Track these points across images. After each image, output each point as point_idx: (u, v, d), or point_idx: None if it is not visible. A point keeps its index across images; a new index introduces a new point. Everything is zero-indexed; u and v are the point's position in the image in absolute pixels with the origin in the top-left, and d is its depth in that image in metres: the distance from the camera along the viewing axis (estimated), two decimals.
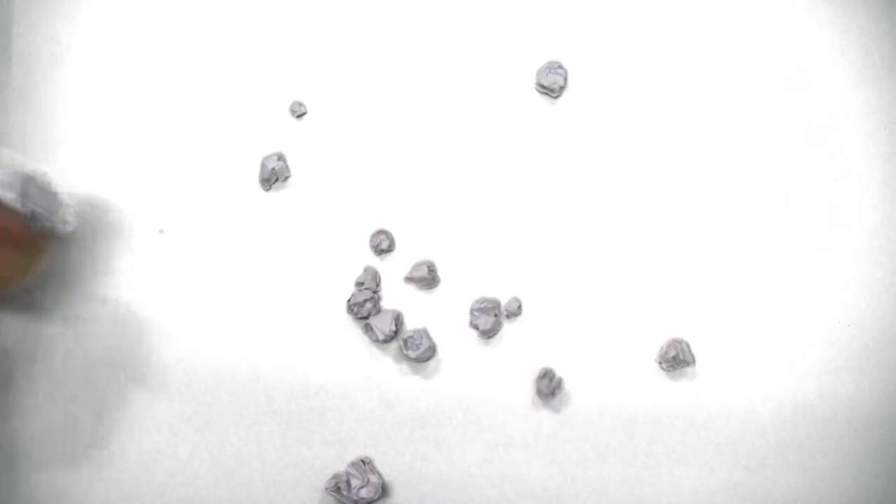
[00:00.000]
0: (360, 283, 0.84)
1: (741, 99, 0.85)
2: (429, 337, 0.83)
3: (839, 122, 0.85)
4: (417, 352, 0.83)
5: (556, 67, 0.85)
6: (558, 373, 0.84)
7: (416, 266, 0.84)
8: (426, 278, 0.84)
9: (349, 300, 0.83)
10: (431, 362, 0.84)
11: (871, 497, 0.83)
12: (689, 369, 0.84)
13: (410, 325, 0.85)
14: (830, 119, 0.85)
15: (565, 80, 0.85)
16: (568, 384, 0.84)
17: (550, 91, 0.85)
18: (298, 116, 0.86)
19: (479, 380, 0.84)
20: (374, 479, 0.82)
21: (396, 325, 0.83)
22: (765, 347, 0.84)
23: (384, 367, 0.85)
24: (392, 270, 0.85)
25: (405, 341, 0.83)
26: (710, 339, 0.84)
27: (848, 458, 0.83)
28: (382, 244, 0.84)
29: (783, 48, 0.85)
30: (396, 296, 0.85)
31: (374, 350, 0.85)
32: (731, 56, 0.85)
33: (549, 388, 0.82)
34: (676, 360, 0.82)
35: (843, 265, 0.84)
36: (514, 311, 0.84)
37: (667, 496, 0.83)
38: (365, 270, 0.85)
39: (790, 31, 0.85)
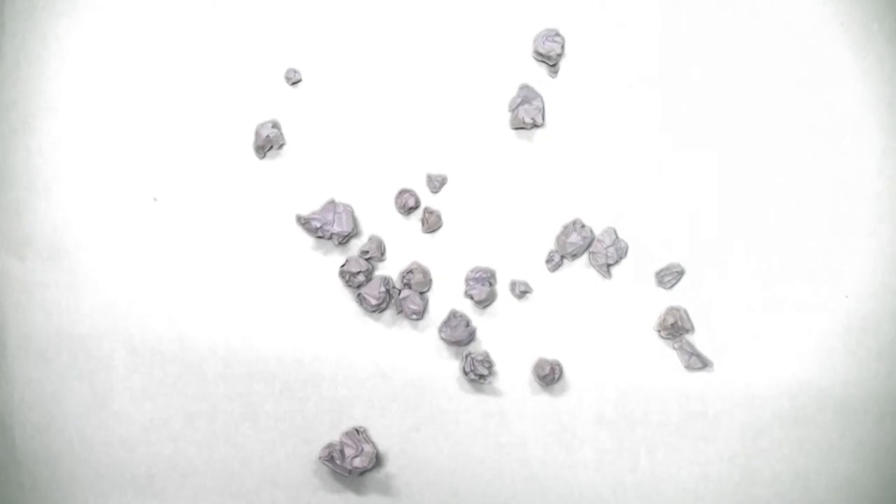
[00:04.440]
0: (364, 252, 0.84)
1: (740, 70, 0.84)
2: (468, 323, 0.83)
3: (840, 94, 0.84)
4: (454, 333, 0.83)
5: (553, 35, 0.84)
6: (555, 356, 0.83)
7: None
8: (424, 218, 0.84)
9: (342, 266, 0.83)
10: (427, 332, 0.84)
11: (867, 469, 0.82)
12: (686, 339, 0.83)
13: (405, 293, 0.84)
14: (831, 91, 0.84)
15: (562, 48, 0.84)
16: (564, 354, 0.84)
17: (547, 59, 0.84)
18: (293, 84, 0.85)
19: (473, 349, 0.84)
20: (367, 448, 0.82)
21: (387, 289, 0.82)
22: (762, 319, 0.83)
23: (379, 336, 0.84)
24: (386, 239, 0.85)
25: (445, 321, 0.83)
26: (708, 310, 0.83)
27: (845, 430, 0.82)
28: (409, 202, 0.84)
29: (783, 22, 0.85)
30: (391, 263, 0.85)
31: (369, 319, 0.84)
32: (729, 28, 0.85)
33: (548, 379, 0.82)
34: (675, 327, 0.82)
35: (842, 235, 0.83)
36: (518, 295, 0.84)
37: (663, 466, 0.83)
38: (370, 239, 0.84)
39: (790, 5, 0.85)
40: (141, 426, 0.85)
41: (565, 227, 0.84)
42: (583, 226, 0.83)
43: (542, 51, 0.84)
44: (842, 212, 0.83)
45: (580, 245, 0.83)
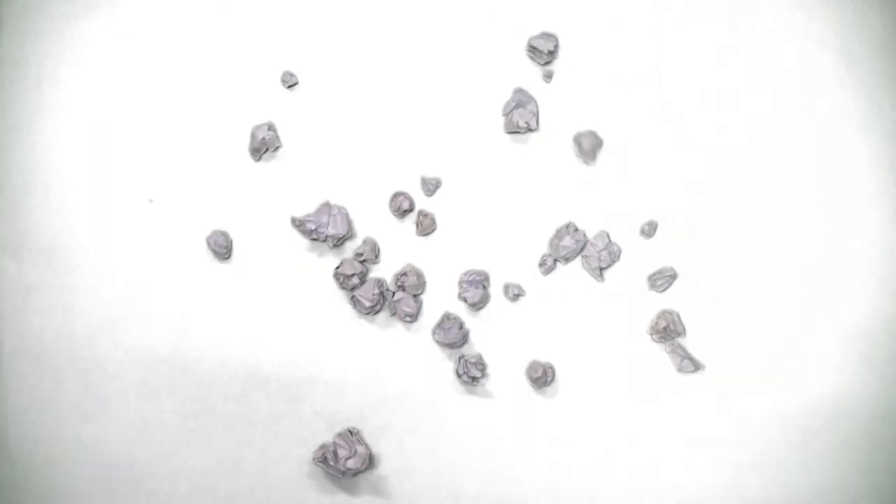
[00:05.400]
0: (358, 255, 0.84)
1: (735, 75, 0.85)
2: (461, 326, 0.83)
3: (836, 99, 0.84)
4: (447, 336, 0.83)
5: (547, 38, 0.84)
6: (548, 358, 0.84)
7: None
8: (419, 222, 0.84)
9: (336, 268, 0.83)
10: (420, 334, 0.84)
11: (863, 473, 0.83)
12: (678, 342, 0.83)
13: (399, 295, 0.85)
14: (827, 96, 0.84)
15: (556, 46, 0.84)
16: (557, 357, 0.84)
17: (540, 54, 0.84)
18: (289, 86, 0.86)
19: (466, 352, 0.84)
20: (361, 449, 0.82)
21: (381, 291, 0.83)
22: (755, 322, 0.83)
23: (372, 338, 0.84)
24: (380, 242, 0.85)
25: (439, 324, 0.83)
26: (701, 314, 0.84)
27: (840, 434, 0.83)
28: (403, 205, 0.84)
29: (778, 31, 0.85)
30: (385, 266, 0.85)
31: (363, 321, 0.84)
32: (725, 35, 0.85)
33: (541, 382, 0.83)
34: (667, 330, 0.82)
35: (837, 238, 0.84)
36: (511, 297, 0.84)
37: (655, 469, 0.83)
38: (364, 242, 0.84)
39: (786, 15, 0.85)
40: (136, 427, 0.85)
41: (558, 231, 0.84)
42: (576, 229, 0.83)
43: (535, 44, 0.84)
44: (837, 216, 0.84)
45: (573, 248, 0.83)
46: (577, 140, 0.83)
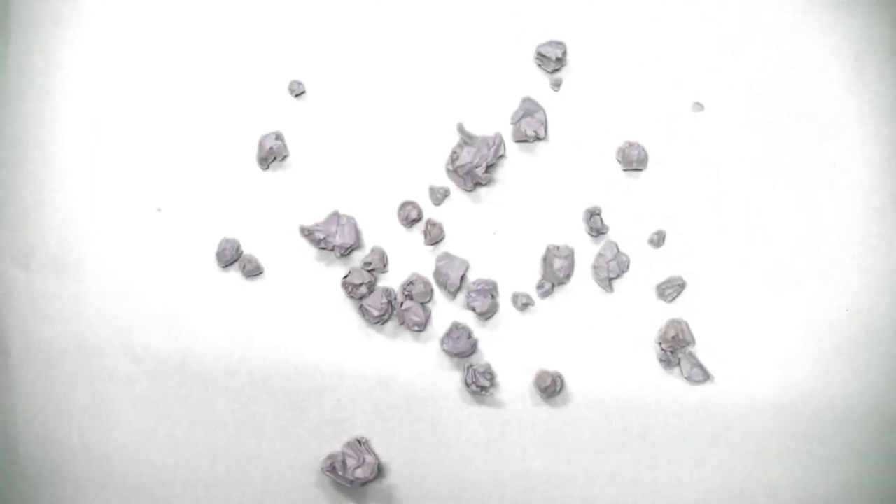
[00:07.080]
0: (367, 264, 0.84)
1: (740, 85, 0.85)
2: (470, 335, 0.83)
3: (841, 108, 0.84)
4: (456, 346, 0.83)
5: (555, 46, 0.84)
6: (556, 368, 0.84)
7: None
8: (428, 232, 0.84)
9: (345, 277, 0.83)
10: (429, 343, 0.84)
11: (867, 479, 0.82)
12: (687, 351, 0.83)
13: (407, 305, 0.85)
14: (832, 105, 0.84)
15: (564, 54, 0.84)
16: (566, 366, 0.84)
17: (547, 60, 0.84)
18: (297, 96, 0.86)
19: (475, 361, 0.84)
20: (369, 459, 0.82)
21: (389, 300, 0.83)
22: (763, 331, 0.83)
23: (381, 347, 0.84)
24: (389, 251, 0.85)
25: (447, 333, 0.83)
26: (709, 323, 0.83)
27: (845, 441, 0.83)
28: (412, 214, 0.84)
29: (784, 36, 0.85)
30: (394, 275, 0.85)
31: (370, 331, 0.84)
32: (728, 43, 0.85)
33: (549, 391, 0.82)
34: (676, 340, 0.82)
35: (842, 248, 0.83)
36: (520, 307, 0.84)
37: (664, 478, 0.83)
38: (372, 251, 0.84)
39: (791, 22, 0.85)
40: (143, 436, 0.85)
41: (545, 259, 0.84)
42: (557, 248, 0.83)
43: (543, 52, 0.84)
44: (842, 225, 0.84)
45: (567, 266, 0.83)
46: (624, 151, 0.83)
